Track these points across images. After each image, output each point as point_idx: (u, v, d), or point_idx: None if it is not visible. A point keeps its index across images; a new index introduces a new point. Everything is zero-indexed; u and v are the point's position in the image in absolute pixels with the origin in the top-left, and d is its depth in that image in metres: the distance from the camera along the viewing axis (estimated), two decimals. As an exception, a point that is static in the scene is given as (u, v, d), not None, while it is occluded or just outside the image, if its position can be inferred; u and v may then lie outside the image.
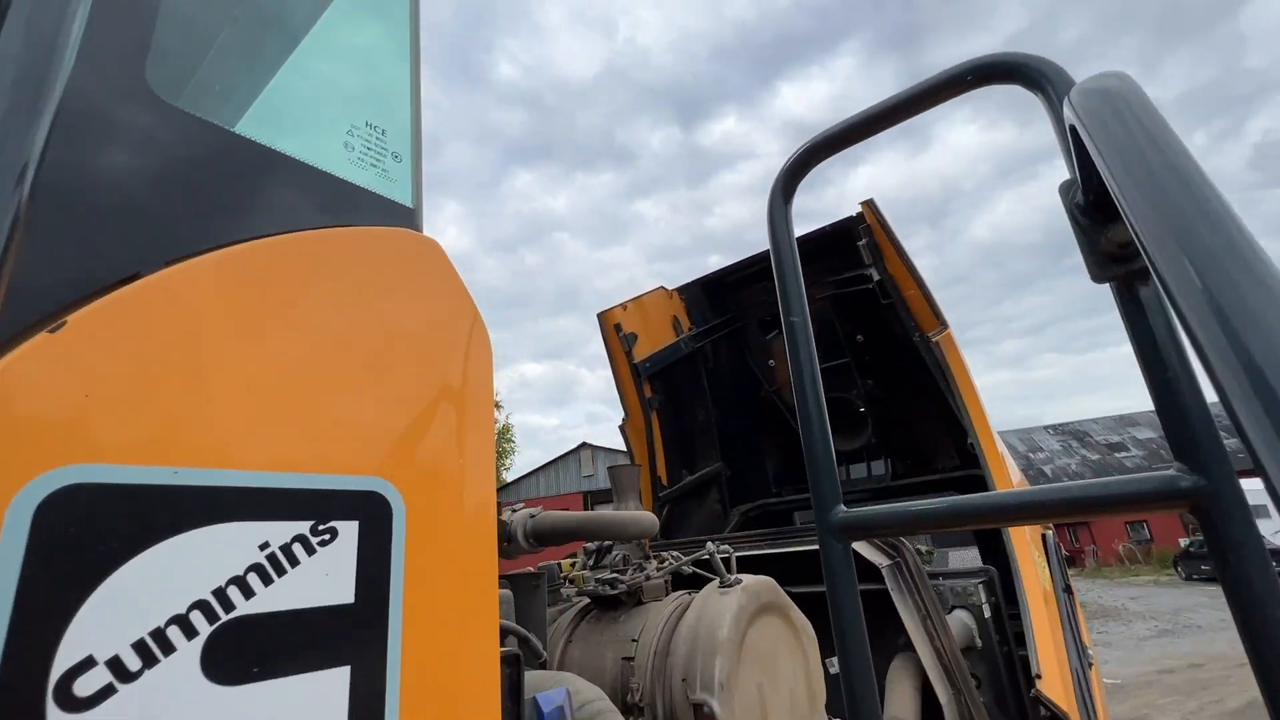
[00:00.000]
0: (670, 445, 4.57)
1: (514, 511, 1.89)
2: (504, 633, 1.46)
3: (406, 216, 0.74)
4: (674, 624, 1.59)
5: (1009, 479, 3.32)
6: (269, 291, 0.56)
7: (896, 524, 0.94)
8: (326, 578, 0.51)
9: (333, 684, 0.49)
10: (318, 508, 0.52)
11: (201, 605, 0.45)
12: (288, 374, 0.55)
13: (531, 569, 1.84)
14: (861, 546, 2.22)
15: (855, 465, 4.75)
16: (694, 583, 1.84)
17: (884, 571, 2.15)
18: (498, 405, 37.67)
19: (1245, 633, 0.70)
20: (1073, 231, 0.85)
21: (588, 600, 1.88)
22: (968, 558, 3.75)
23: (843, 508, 1.00)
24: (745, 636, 1.50)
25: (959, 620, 2.46)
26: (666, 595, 1.78)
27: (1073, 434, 42.26)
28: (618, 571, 1.84)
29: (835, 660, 2.41)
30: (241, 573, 0.47)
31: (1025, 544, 3.01)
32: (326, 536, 0.52)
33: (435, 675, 0.55)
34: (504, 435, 37.25)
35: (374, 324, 0.64)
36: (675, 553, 1.92)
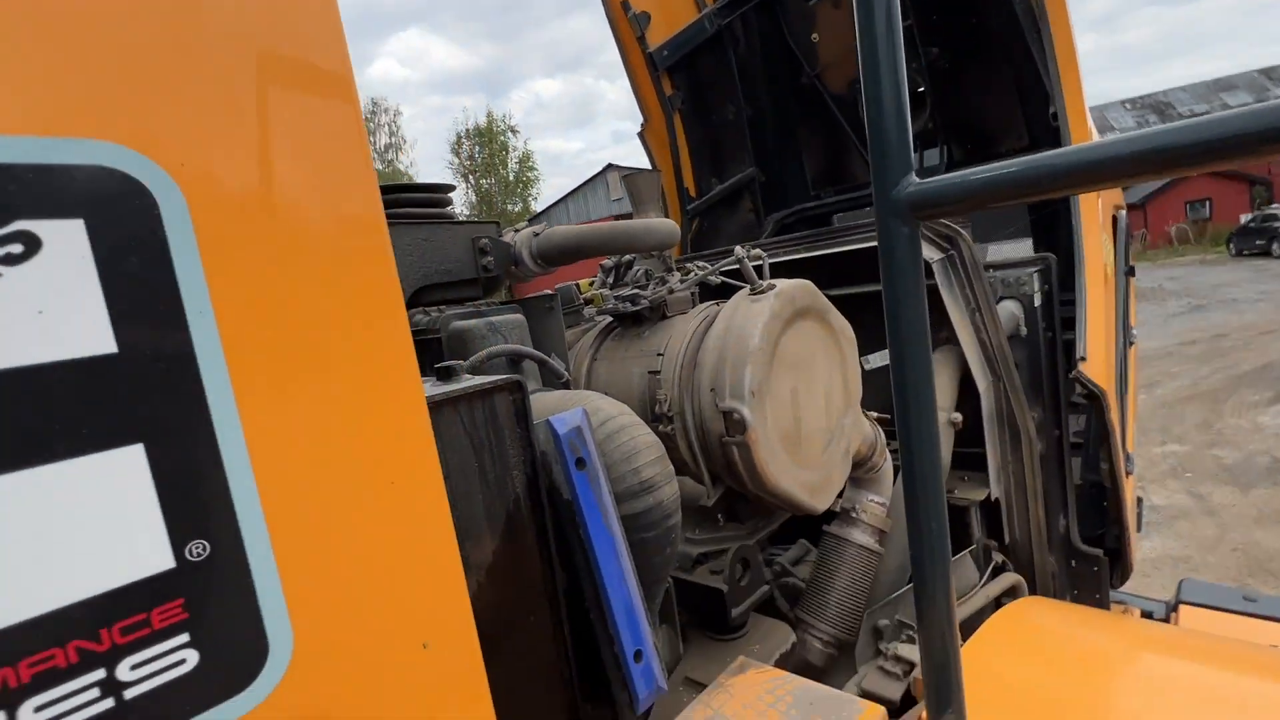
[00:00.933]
0: (696, 151, 4.12)
1: (516, 232, 1.68)
2: (519, 357, 1.37)
3: None
4: (701, 334, 1.47)
5: (1084, 117, 2.85)
6: None
7: (988, 192, 0.69)
8: (40, 318, 0.31)
9: (108, 471, 0.33)
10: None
11: None
12: None
13: (548, 291, 1.69)
14: None
15: None
16: (725, 294, 1.69)
17: (934, 266, 1.95)
18: (513, 130, 35.26)
19: None
20: None
21: (610, 319, 1.78)
22: (1012, 250, 3.49)
23: (914, 179, 0.74)
24: (778, 343, 1.38)
25: (1006, 310, 2.33)
26: (694, 308, 1.65)
27: (1152, 107, 37.76)
28: (639, 287, 1.69)
29: (870, 358, 2.36)
30: None
31: (1095, 226, 2.72)
32: (15, 249, 0.31)
33: (312, 438, 0.40)
34: (525, 164, 35.61)
35: None
36: (701, 263, 1.74)
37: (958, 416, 2.00)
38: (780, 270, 2.29)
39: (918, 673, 1.49)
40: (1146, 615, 2.96)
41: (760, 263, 1.52)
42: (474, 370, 1.24)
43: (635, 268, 1.83)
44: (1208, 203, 33.02)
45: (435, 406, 0.82)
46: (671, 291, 1.57)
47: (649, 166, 4.13)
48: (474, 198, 34.79)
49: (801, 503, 1.44)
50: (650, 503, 1.13)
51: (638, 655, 1.00)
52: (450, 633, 0.48)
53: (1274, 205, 27.90)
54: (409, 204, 1.48)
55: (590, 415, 1.17)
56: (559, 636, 0.98)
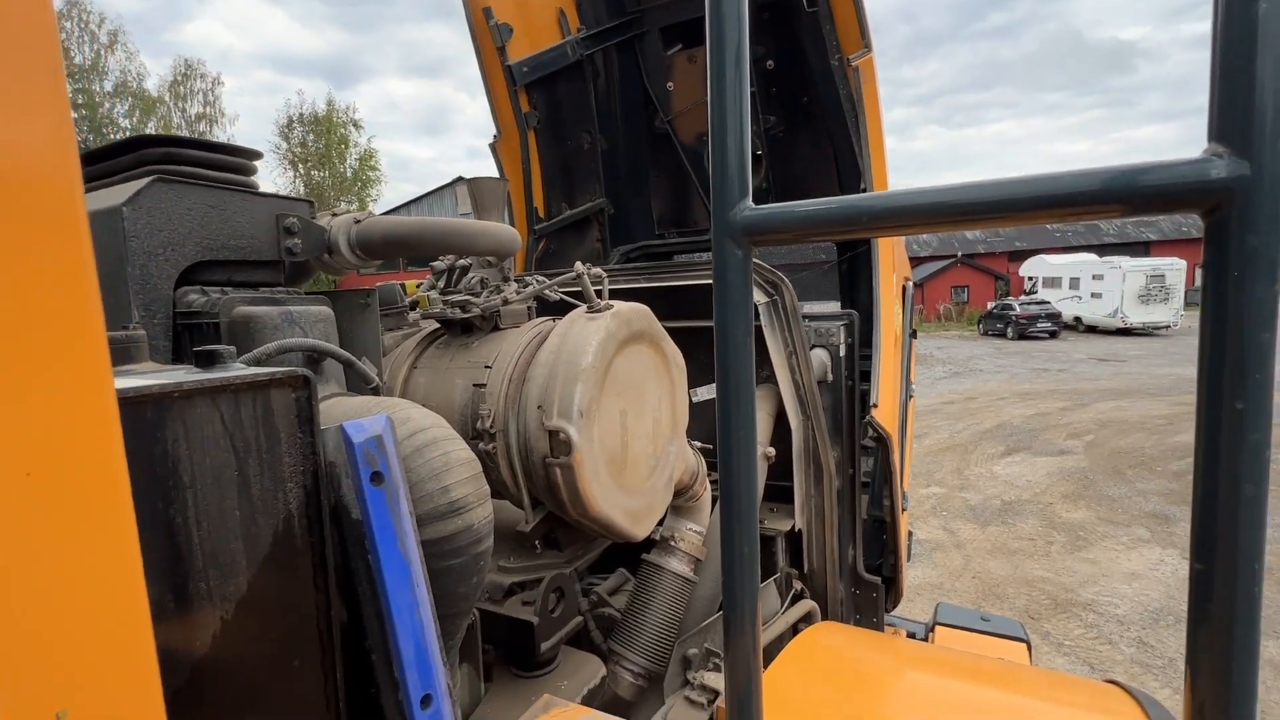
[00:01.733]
0: (549, 173, 4.10)
1: (335, 216, 1.50)
2: (319, 354, 1.19)
3: None
4: (534, 349, 1.40)
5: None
6: None
7: (814, 224, 0.72)
8: None
9: None
10: None
11: None
12: None
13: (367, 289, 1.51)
14: None
15: None
16: (562, 311, 1.64)
17: (760, 309, 2.08)
18: (357, 124, 32.68)
19: (1214, 359, 0.58)
20: None
21: (437, 325, 1.64)
22: (822, 309, 3.91)
23: (750, 204, 0.75)
24: (611, 364, 1.35)
25: (817, 357, 2.55)
26: (529, 321, 1.57)
27: (932, 206, 45.55)
28: (472, 294, 1.58)
29: (698, 391, 2.44)
30: None
31: (890, 292, 3.12)
32: None
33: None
34: (367, 162, 33.10)
35: None
36: (540, 277, 1.68)
37: (771, 451, 2.13)
38: (619, 296, 2.31)
39: (721, 701, 1.51)
40: (911, 635, 3.37)
41: (600, 284, 1.50)
42: (256, 364, 1.05)
43: (470, 274, 1.72)
44: (967, 289, 40.30)
45: (184, 396, 0.66)
46: (506, 302, 1.48)
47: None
48: (303, 189, 31.50)
49: (623, 529, 1.41)
50: (459, 525, 1.02)
51: (426, 700, 0.88)
52: (108, 696, 0.34)
53: (1009, 298, 34.83)
54: (194, 162, 1.24)
55: (397, 425, 1.04)
56: (329, 683, 0.82)
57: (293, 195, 1.38)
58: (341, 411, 1.11)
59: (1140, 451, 11.15)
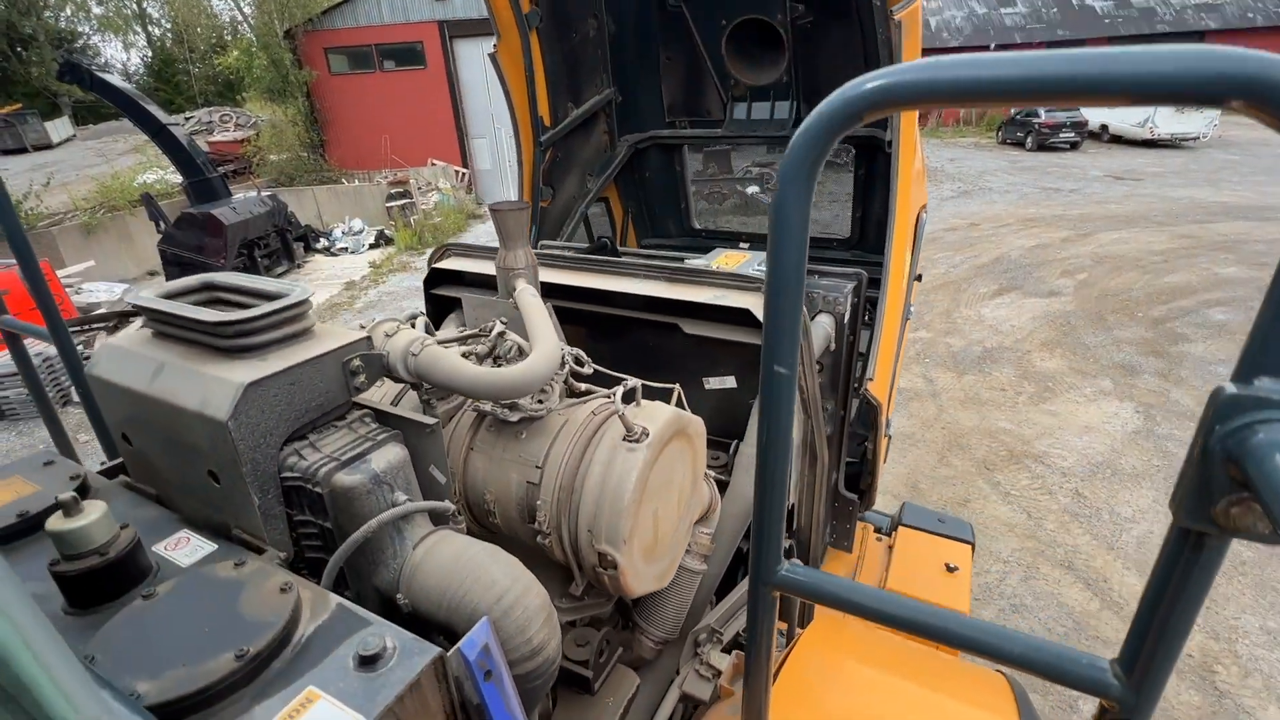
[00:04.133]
0: (554, 74, 3.77)
1: (388, 336, 1.61)
2: (408, 514, 1.42)
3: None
4: (577, 460, 1.61)
5: (914, 141, 3.19)
6: None
7: (832, 599, 0.93)
8: None
9: None
10: None
11: None
12: None
13: (428, 420, 1.68)
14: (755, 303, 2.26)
15: (759, 104, 4.30)
16: (604, 382, 1.80)
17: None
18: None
19: None
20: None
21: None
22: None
23: (785, 565, 0.94)
24: (647, 483, 1.58)
25: (821, 327, 2.69)
26: (571, 411, 1.75)
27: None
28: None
29: (710, 381, 2.64)
30: None
31: (904, 241, 3.13)
32: None
33: None
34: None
35: None
36: (577, 378, 1.80)
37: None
38: (630, 301, 2.40)
39: (723, 680, 2.00)
40: (878, 529, 3.99)
41: (634, 390, 1.66)
42: (365, 538, 1.30)
43: (508, 340, 1.85)
44: (993, 86, 36.89)
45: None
46: (550, 410, 1.66)
47: (493, 42, 3.65)
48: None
49: (654, 589, 1.76)
50: (540, 661, 1.35)
51: (533, 794, 1.29)
52: None
53: (1038, 98, 32.09)
54: (268, 328, 1.34)
55: (483, 590, 1.33)
56: (471, 801, 1.22)
57: (351, 339, 1.47)
58: (434, 570, 1.39)
59: (1127, 294, 11.45)
